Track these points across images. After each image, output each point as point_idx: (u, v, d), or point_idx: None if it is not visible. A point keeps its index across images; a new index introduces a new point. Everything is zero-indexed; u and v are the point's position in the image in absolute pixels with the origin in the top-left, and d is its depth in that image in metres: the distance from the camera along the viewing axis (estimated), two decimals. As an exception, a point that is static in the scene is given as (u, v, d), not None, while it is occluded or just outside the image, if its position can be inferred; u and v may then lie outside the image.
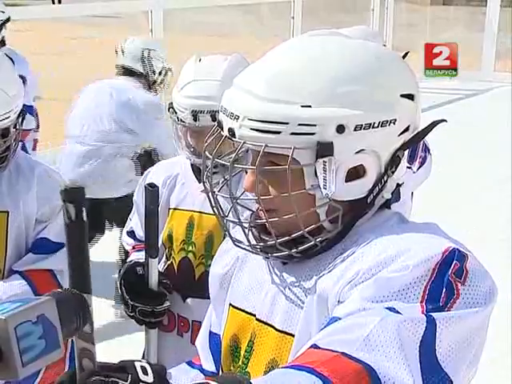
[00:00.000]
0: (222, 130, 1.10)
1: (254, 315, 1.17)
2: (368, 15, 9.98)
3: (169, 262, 2.04)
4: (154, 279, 1.89)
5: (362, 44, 1.11)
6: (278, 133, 1.03)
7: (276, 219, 1.08)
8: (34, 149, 4.21)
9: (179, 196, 2.03)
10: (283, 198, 1.07)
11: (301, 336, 1.07)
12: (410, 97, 1.09)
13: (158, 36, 7.29)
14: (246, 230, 1.12)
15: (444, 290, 0.96)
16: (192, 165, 2.01)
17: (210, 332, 1.34)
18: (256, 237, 1.13)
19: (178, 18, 7.01)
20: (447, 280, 0.97)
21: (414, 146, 2.37)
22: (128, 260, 2.05)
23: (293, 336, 1.09)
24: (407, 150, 1.12)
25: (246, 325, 1.18)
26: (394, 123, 1.06)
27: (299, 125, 1.03)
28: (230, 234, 1.17)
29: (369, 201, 1.09)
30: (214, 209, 1.16)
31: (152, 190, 1.82)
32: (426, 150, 2.43)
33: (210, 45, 6.12)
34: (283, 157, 1.05)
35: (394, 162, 1.09)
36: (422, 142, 2.40)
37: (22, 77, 2.07)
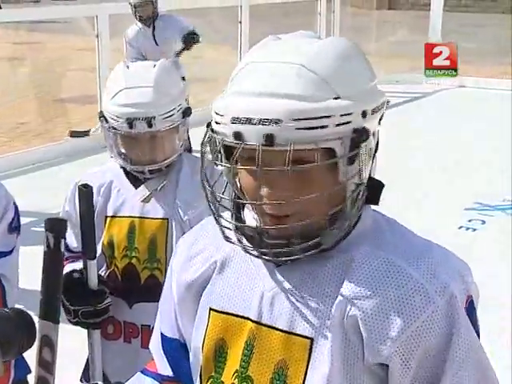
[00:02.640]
0: (243, 141, 1.05)
1: (249, 318, 1.16)
2: (315, 19, 10.06)
3: (110, 270, 2.01)
4: (93, 281, 1.88)
5: (341, 40, 1.17)
6: (326, 127, 1.05)
7: (301, 223, 1.09)
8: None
9: (116, 203, 2.01)
10: (315, 198, 1.07)
11: (317, 338, 1.11)
12: (376, 80, 1.18)
13: (105, 41, 7.22)
14: (255, 234, 1.12)
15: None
16: (126, 172, 2.01)
17: (163, 335, 1.32)
18: (265, 241, 1.11)
19: (125, 24, 6.94)
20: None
21: None
22: (64, 273, 2.01)
23: (301, 336, 1.11)
24: None
25: (237, 328, 1.17)
26: (382, 105, 1.14)
27: (341, 116, 1.06)
28: (242, 243, 1.14)
29: (365, 181, 1.13)
30: (216, 216, 1.13)
31: (86, 190, 1.81)
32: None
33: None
34: (311, 153, 1.05)
35: (377, 142, 1.15)
36: None
37: None
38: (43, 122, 8.82)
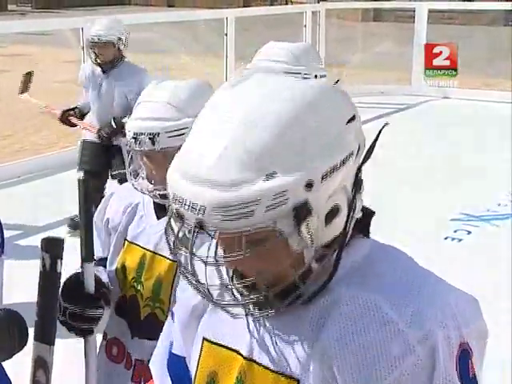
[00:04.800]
0: (184, 222, 0.99)
1: (240, 353, 1.14)
2: (301, 31, 10.10)
3: (121, 295, 1.93)
4: (90, 284, 1.73)
5: (291, 93, 1.02)
6: (253, 214, 0.95)
7: (264, 277, 1.05)
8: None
9: (136, 229, 1.92)
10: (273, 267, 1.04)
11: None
12: (353, 118, 1.06)
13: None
14: (233, 290, 1.09)
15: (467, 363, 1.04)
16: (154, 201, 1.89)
17: (172, 353, 1.30)
18: (242, 293, 1.09)
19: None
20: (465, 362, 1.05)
21: None
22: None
23: (289, 377, 1.08)
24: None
25: (228, 361, 1.15)
26: (351, 155, 1.03)
27: (272, 198, 0.96)
28: (216, 302, 1.10)
29: (347, 230, 1.05)
30: (193, 280, 1.07)
31: (85, 186, 1.70)
32: None
33: (141, 61, 6.07)
34: (262, 231, 0.99)
35: (357, 182, 1.06)
36: None
37: None
38: (29, 134, 8.78)
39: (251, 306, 1.09)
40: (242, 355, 1.13)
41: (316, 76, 2.48)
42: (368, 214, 1.13)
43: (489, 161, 6.91)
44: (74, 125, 5.18)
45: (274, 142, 0.97)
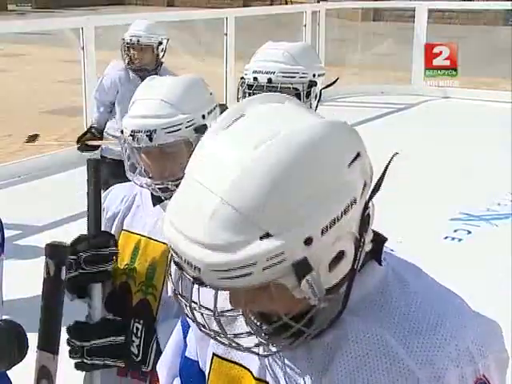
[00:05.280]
0: (183, 272, 0.97)
1: (250, 370, 1.12)
2: (300, 31, 10.10)
3: (110, 290, 1.92)
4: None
5: (283, 142, 0.93)
6: (250, 274, 0.91)
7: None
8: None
9: (132, 218, 1.96)
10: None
11: None
12: (357, 156, 0.98)
13: (90, 53, 7.22)
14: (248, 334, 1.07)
15: None
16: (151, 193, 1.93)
17: (186, 357, 1.29)
18: (256, 327, 1.06)
19: (111, 35, 6.93)
20: None
21: None
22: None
23: None
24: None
25: (239, 378, 1.14)
26: (355, 201, 0.96)
27: (268, 259, 0.91)
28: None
29: (355, 267, 0.99)
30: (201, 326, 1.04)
31: (94, 164, 1.75)
32: None
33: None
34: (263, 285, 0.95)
35: (364, 221, 0.99)
36: None
37: None
38: (29, 134, 8.77)
39: (262, 339, 1.06)
40: (253, 375, 1.12)
41: (314, 75, 2.48)
42: (380, 240, 1.08)
43: (489, 161, 6.91)
44: (96, 147, 4.69)
45: (266, 199, 0.90)
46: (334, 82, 2.74)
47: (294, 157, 0.92)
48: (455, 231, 5.38)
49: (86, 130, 4.74)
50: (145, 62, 4.61)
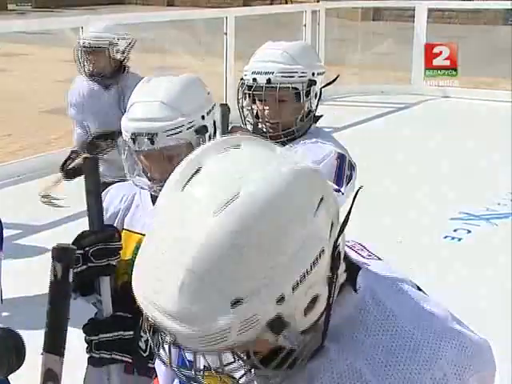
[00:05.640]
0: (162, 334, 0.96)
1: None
2: (300, 30, 10.10)
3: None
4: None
5: (242, 204, 0.90)
6: (226, 339, 0.90)
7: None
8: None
9: (132, 217, 1.98)
10: None
11: None
12: (321, 200, 0.96)
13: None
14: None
15: None
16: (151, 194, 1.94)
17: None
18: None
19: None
20: None
21: (341, 168, 2.39)
22: None
23: None
24: None
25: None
26: (323, 251, 0.94)
27: (242, 323, 0.90)
28: None
29: (331, 302, 0.99)
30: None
31: (92, 161, 1.77)
32: (351, 167, 2.44)
33: (142, 61, 6.05)
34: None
35: (335, 261, 0.98)
36: (346, 160, 2.42)
37: None
38: (29, 133, 8.77)
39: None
40: None
41: (313, 74, 2.48)
42: (353, 269, 1.06)
43: (489, 160, 6.90)
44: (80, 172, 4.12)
45: (231, 267, 0.88)
46: (334, 80, 2.74)
47: (256, 220, 0.89)
48: (455, 231, 5.38)
49: (66, 158, 4.33)
50: (99, 66, 4.15)
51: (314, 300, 0.95)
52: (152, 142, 1.80)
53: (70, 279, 0.83)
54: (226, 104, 2.46)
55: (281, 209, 0.91)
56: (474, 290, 4.06)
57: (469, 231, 5.39)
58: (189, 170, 0.95)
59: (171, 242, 0.91)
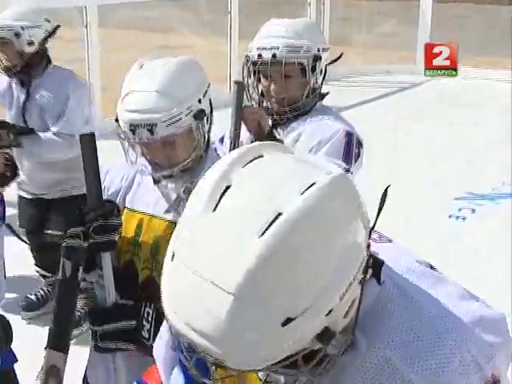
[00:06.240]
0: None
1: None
2: (305, 9, 10.03)
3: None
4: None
5: (290, 222, 0.87)
6: (275, 356, 0.90)
7: None
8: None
9: (134, 196, 1.98)
10: None
11: None
12: (357, 209, 0.95)
13: (94, 31, 7.19)
14: None
15: None
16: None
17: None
18: None
19: (115, 14, 6.90)
20: None
21: (349, 145, 2.39)
22: None
23: None
24: None
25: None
26: (363, 259, 0.94)
27: (293, 340, 0.89)
28: None
29: (361, 299, 0.99)
30: None
31: (90, 137, 1.77)
32: (359, 144, 2.43)
33: (145, 40, 6.03)
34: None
35: (367, 263, 0.97)
36: (355, 138, 2.41)
37: None
38: None
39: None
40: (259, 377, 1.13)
41: (319, 49, 2.46)
42: (377, 264, 1.06)
43: (495, 140, 6.88)
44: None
45: (283, 287, 0.86)
46: (339, 57, 2.73)
47: (302, 239, 0.87)
48: (460, 210, 5.39)
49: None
50: (8, 60, 3.54)
51: (353, 302, 0.96)
52: (152, 133, 1.77)
53: (79, 277, 0.82)
54: (241, 82, 2.39)
55: (323, 223, 0.89)
56: (477, 269, 4.07)
57: (473, 211, 5.39)
58: (217, 188, 0.91)
59: (210, 264, 0.87)
